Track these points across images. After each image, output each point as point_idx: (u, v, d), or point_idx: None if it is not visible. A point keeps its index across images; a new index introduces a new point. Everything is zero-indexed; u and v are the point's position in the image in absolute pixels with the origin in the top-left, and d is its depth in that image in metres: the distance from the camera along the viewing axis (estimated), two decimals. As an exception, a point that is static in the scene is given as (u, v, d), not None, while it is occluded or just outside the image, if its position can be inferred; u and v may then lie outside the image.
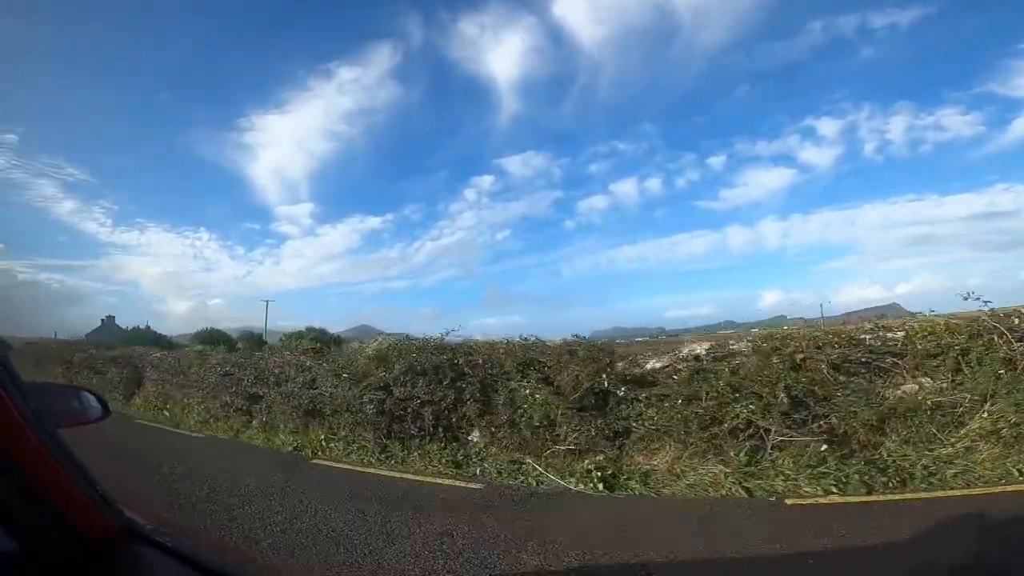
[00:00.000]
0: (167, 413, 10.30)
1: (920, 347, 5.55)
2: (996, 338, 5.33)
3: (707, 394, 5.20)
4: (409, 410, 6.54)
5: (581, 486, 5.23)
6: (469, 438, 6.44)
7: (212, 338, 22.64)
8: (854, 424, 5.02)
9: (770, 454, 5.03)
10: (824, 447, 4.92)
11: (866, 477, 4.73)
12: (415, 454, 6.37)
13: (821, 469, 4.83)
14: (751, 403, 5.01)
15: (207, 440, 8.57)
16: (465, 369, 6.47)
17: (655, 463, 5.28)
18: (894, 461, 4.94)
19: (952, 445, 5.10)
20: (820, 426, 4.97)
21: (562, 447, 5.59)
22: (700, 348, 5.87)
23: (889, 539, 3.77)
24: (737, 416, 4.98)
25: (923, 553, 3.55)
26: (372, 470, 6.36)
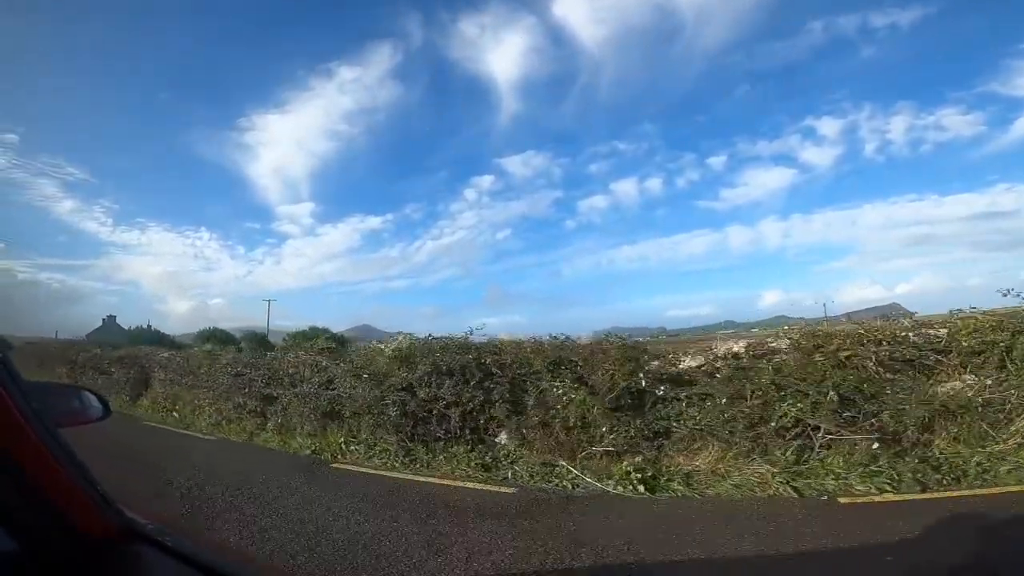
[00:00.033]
0: (176, 415, 10.07)
1: (965, 344, 5.42)
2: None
3: (752, 393, 5.01)
4: (434, 412, 6.32)
5: (620, 488, 5.04)
6: (496, 440, 6.24)
7: (216, 337, 22.36)
8: (905, 422, 4.86)
9: (818, 453, 4.86)
10: (875, 445, 4.77)
11: (919, 475, 4.63)
12: (441, 457, 6.16)
13: (872, 467, 4.72)
14: (799, 401, 4.83)
15: (220, 443, 8.32)
16: (493, 369, 6.25)
17: (697, 464, 5.10)
18: (946, 459, 4.83)
19: (1004, 442, 4.99)
20: (872, 424, 4.79)
21: (598, 449, 5.39)
22: (737, 346, 5.67)
23: (957, 535, 3.73)
24: (786, 415, 4.80)
25: (997, 547, 3.52)
26: (397, 474, 6.13)
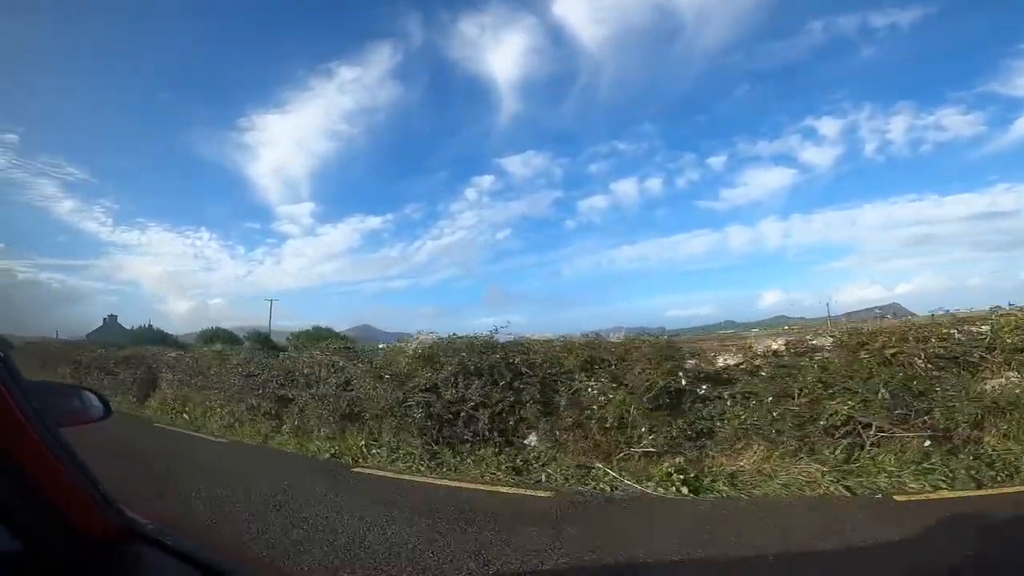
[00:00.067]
0: (186, 416, 9.83)
1: (1008, 341, 5.32)
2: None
3: (800, 391, 4.85)
4: (461, 413, 6.13)
5: (661, 490, 4.88)
6: (525, 442, 6.05)
7: (219, 337, 22.08)
8: (956, 419, 4.73)
9: (868, 451, 4.72)
10: (927, 443, 4.64)
11: (973, 471, 4.55)
12: (469, 460, 5.97)
13: (925, 465, 4.62)
14: (849, 399, 4.69)
15: (233, 446, 8.09)
16: (522, 369, 6.06)
17: (741, 464, 4.94)
18: (999, 455, 4.74)
19: (1054, 439, 4.86)
20: (924, 422, 4.66)
21: (637, 450, 5.22)
22: (776, 344, 5.51)
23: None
24: (836, 413, 4.65)
25: None
26: (423, 478, 5.93)
